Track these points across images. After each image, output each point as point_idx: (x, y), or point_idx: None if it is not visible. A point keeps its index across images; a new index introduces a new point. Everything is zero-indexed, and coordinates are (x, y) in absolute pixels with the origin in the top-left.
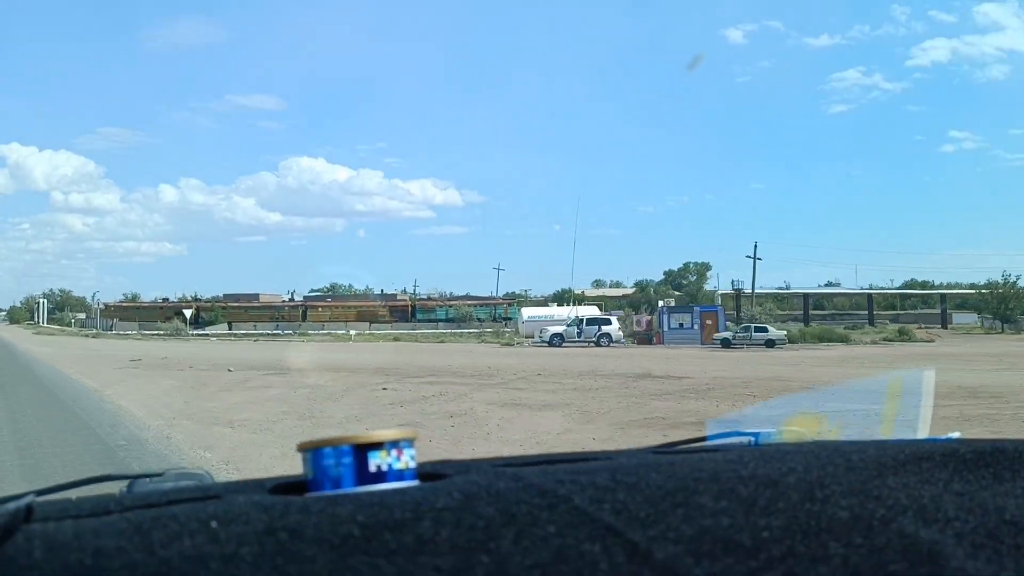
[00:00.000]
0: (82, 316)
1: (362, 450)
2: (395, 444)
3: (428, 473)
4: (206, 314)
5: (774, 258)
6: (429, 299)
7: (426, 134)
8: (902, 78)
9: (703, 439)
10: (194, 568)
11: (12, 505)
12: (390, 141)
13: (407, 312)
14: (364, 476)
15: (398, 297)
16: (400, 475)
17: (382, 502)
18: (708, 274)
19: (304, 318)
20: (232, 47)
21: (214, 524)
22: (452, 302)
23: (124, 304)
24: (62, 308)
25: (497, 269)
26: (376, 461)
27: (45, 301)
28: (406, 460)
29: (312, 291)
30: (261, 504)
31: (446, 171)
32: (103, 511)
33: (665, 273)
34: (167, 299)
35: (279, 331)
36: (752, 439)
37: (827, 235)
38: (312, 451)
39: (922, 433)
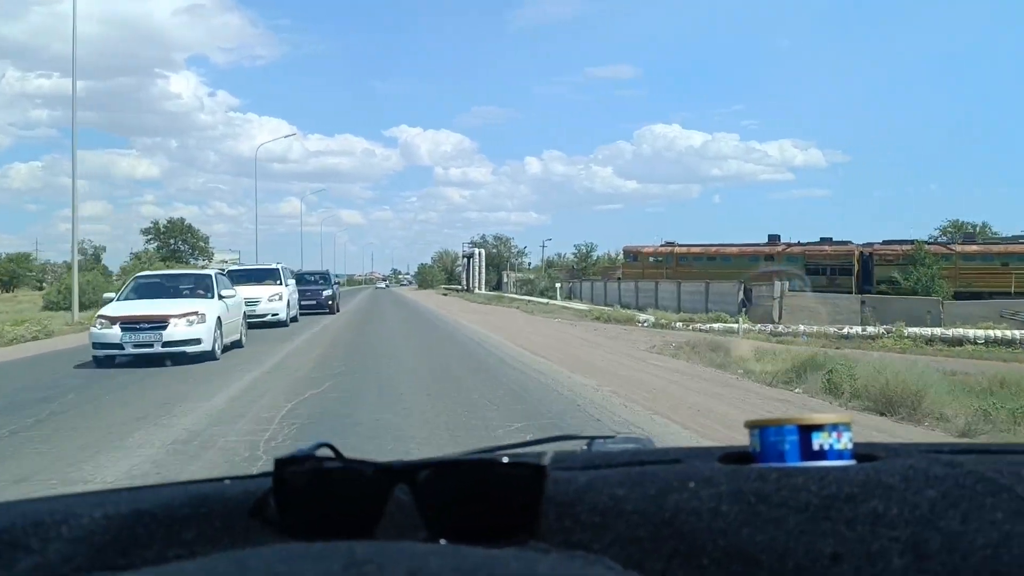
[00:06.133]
0: (523, 276)
1: (806, 431)
2: (835, 427)
3: (862, 454)
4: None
5: None
6: None
7: (787, 92)
8: None
9: None
10: (688, 518)
11: (545, 457)
12: (748, 102)
13: None
14: (807, 453)
15: None
16: (839, 455)
17: (831, 477)
18: None
19: None
20: (591, 19)
21: (692, 484)
22: None
23: (682, 249)
24: (497, 264)
25: None
26: (819, 441)
27: (481, 253)
28: (845, 442)
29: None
30: (723, 470)
31: (808, 130)
32: (595, 466)
33: None
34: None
35: None
36: None
37: None
38: (760, 428)
39: None
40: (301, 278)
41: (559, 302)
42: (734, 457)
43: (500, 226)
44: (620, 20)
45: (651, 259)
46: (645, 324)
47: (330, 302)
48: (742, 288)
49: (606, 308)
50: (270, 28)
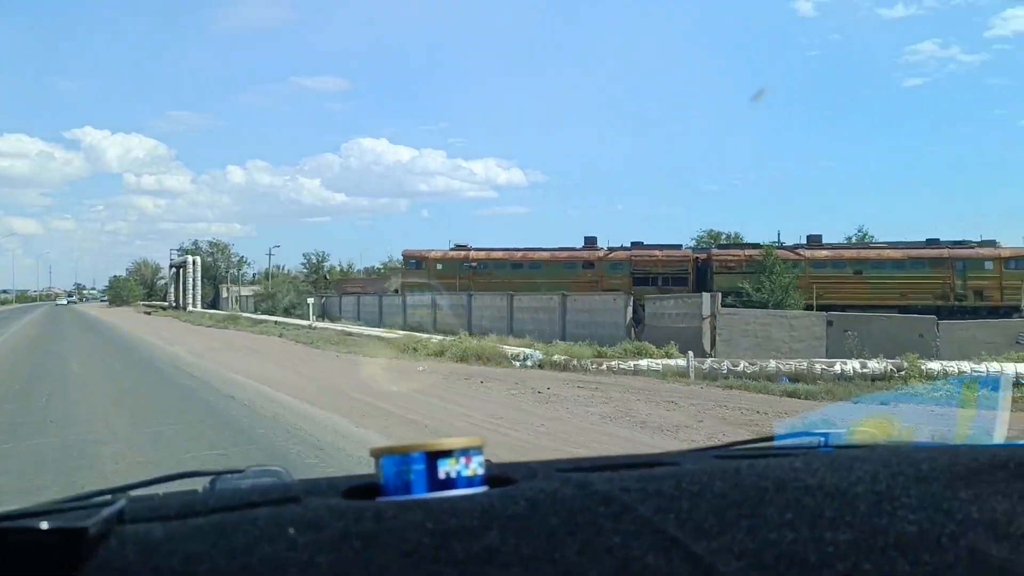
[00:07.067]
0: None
1: (432, 457)
2: (464, 452)
3: (496, 477)
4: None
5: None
6: None
7: (490, 113)
8: (981, 50)
9: (770, 439)
10: (273, 574)
11: (107, 510)
12: (453, 121)
13: None
14: (434, 482)
15: None
16: (469, 482)
17: (451, 509)
18: None
19: None
20: (298, 28)
21: (291, 531)
22: None
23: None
24: (214, 277)
25: None
26: (445, 468)
27: (196, 261)
28: (474, 467)
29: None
30: (336, 509)
31: (510, 151)
32: (188, 513)
33: None
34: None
35: None
36: (822, 440)
37: (899, 212)
38: (384, 457)
39: (999, 437)
40: None
41: (319, 323)
42: (361, 490)
43: (201, 236)
44: (327, 31)
45: (439, 266)
46: (528, 364)
47: None
48: (630, 303)
49: (430, 336)
50: None
